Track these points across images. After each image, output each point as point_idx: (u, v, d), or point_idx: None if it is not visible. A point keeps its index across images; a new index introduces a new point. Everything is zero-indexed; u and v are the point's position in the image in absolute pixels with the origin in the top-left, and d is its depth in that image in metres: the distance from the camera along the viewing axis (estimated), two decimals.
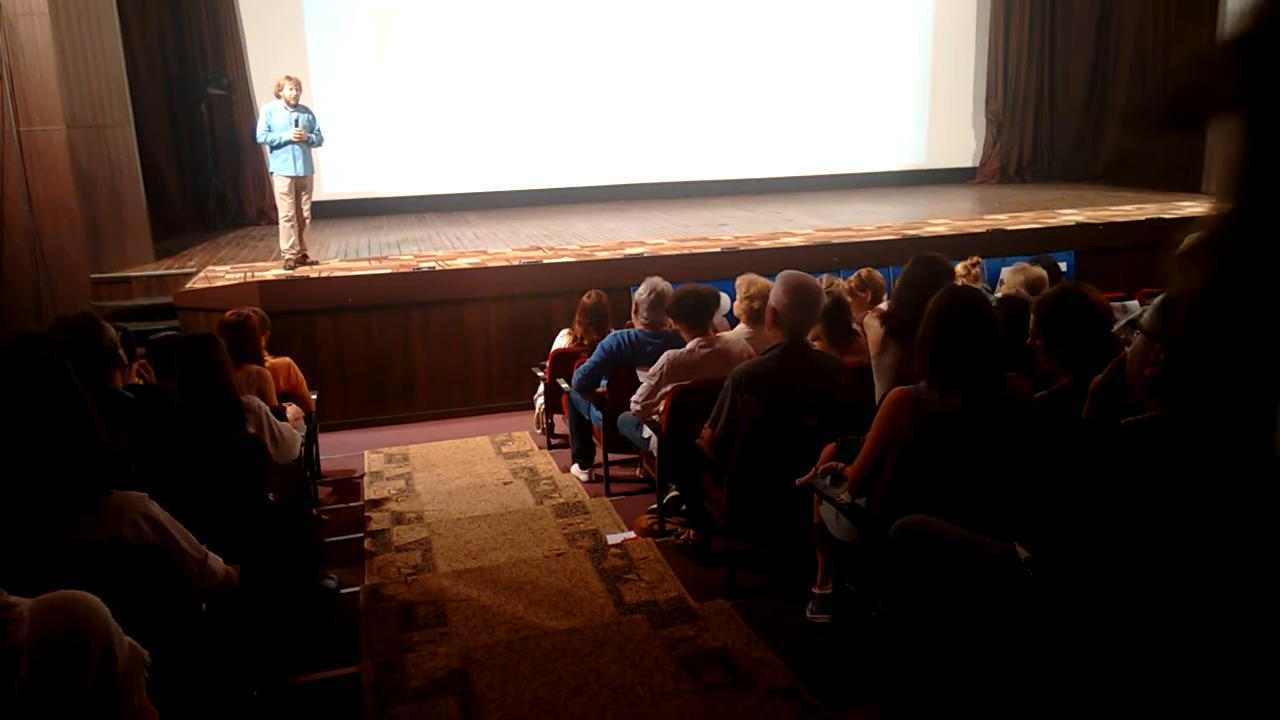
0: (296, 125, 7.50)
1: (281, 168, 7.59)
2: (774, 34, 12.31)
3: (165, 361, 3.85)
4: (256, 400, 3.76)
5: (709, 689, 2.90)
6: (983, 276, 5.78)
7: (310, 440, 5.03)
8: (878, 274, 5.51)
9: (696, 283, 4.89)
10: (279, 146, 7.54)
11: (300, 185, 7.69)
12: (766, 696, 2.85)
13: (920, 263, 3.73)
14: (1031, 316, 2.83)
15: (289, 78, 7.63)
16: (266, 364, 4.80)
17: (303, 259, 7.87)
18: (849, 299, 5.45)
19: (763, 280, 4.50)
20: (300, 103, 7.64)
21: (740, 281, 4.75)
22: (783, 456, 3.35)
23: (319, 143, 7.76)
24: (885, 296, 5.42)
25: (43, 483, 2.02)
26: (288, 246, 7.78)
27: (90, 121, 7.92)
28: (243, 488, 2.99)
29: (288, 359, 5.22)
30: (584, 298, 5.82)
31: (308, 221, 7.88)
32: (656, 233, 9.24)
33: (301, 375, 5.23)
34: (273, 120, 7.56)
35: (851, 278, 5.57)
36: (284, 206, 7.71)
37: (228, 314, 4.67)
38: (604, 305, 5.76)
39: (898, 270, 5.55)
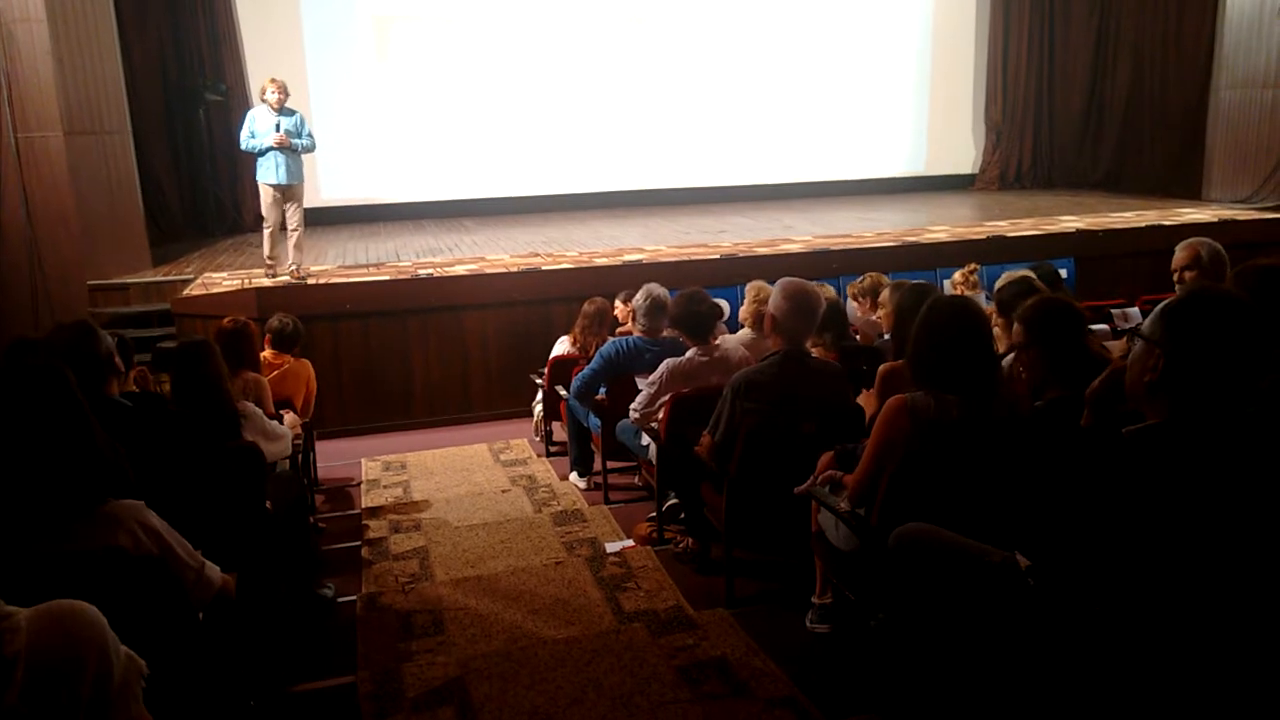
0: (278, 130, 7.13)
1: (264, 175, 7.24)
2: (773, 40, 12.33)
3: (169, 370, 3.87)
4: (251, 405, 3.76)
5: (708, 698, 2.89)
6: (981, 284, 5.77)
7: (307, 448, 5.03)
8: (885, 278, 5.40)
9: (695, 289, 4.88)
10: (262, 153, 7.19)
11: (285, 195, 7.30)
12: (765, 706, 2.84)
13: (913, 292, 3.71)
14: (1018, 328, 2.78)
15: (273, 80, 7.25)
16: (287, 365, 4.98)
17: (293, 274, 7.42)
18: (855, 303, 5.42)
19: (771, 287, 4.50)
20: (288, 106, 7.27)
21: (750, 287, 4.80)
22: (782, 464, 3.34)
23: (309, 148, 7.32)
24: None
25: (41, 492, 2.01)
26: (269, 254, 7.51)
27: (88, 128, 7.92)
28: (240, 496, 2.99)
29: (308, 363, 5.38)
30: (585, 304, 5.81)
31: (295, 233, 7.40)
32: (656, 239, 9.23)
33: (315, 384, 5.35)
34: (255, 125, 7.21)
35: (856, 282, 5.49)
36: (269, 215, 7.37)
37: (225, 321, 4.67)
38: (605, 312, 5.75)
39: (897, 276, 5.54)
